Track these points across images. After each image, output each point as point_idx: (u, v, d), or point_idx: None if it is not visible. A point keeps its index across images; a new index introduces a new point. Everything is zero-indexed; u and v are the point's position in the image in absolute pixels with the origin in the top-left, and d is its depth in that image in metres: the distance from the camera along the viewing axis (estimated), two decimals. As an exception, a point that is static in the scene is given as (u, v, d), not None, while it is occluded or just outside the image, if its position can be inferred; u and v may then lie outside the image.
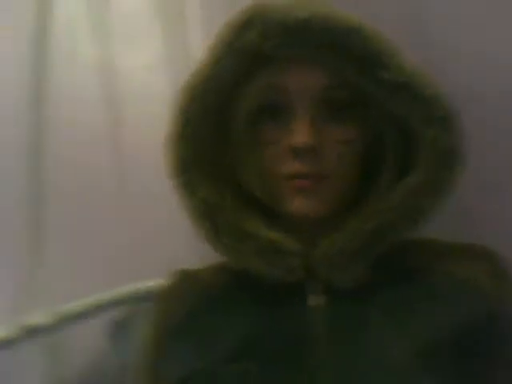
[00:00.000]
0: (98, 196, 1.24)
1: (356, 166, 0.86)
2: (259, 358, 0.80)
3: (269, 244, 0.83)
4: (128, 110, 1.23)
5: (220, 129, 0.86)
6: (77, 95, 1.25)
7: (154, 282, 1.16)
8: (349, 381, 0.77)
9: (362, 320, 0.82)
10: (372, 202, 0.84)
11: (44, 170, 1.23)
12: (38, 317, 1.26)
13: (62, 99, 1.24)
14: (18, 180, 1.24)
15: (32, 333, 1.25)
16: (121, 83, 1.24)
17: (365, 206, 0.84)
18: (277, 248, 0.83)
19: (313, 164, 0.82)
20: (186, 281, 0.96)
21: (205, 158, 0.86)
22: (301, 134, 0.81)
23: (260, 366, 0.80)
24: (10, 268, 1.28)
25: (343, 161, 0.84)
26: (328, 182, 0.83)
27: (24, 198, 1.25)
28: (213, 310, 0.87)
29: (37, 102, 1.23)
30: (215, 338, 0.84)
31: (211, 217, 0.86)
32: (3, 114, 1.25)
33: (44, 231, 1.27)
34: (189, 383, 0.82)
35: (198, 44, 0.87)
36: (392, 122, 0.85)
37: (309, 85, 0.82)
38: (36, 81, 1.24)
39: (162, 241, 1.20)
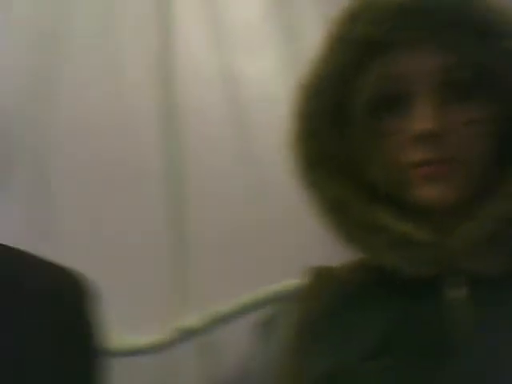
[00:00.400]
0: (236, 202, 1.28)
1: (486, 147, 0.82)
2: (398, 355, 0.79)
3: (400, 236, 0.81)
4: (253, 118, 1.26)
5: (337, 124, 0.86)
6: (204, 108, 1.29)
7: (295, 281, 1.17)
8: (491, 373, 0.74)
9: (504, 310, 0.78)
10: (506, 185, 0.80)
11: (182, 178, 1.29)
12: (191, 319, 1.32)
13: (191, 114, 1.29)
14: (159, 190, 1.31)
15: (186, 335, 1.31)
16: (244, 92, 1.27)
17: (498, 190, 0.80)
18: (408, 240, 0.81)
19: (437, 150, 0.78)
20: (323, 279, 0.96)
21: (327, 155, 0.86)
22: (422, 121, 0.78)
23: (399, 362, 0.78)
24: (163, 274, 1.35)
25: (470, 143, 0.80)
26: (456, 166, 0.80)
27: (169, 209, 1.32)
28: (349, 308, 0.87)
29: (168, 118, 1.29)
30: (352, 335, 0.83)
31: (340, 213, 0.86)
32: (137, 133, 1.32)
33: (190, 238, 1.32)
34: (328, 381, 0.82)
35: (317, 45, 0.87)
36: None
37: (426, 68, 0.79)
38: (166, 98, 1.30)
39: (300, 240, 1.21)
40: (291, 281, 1.18)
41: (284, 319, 1.04)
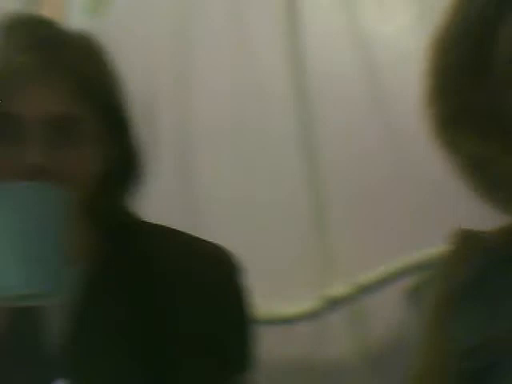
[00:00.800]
0: (375, 166, 1.26)
1: None
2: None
3: None
4: (387, 77, 1.22)
5: (475, 78, 0.81)
6: (334, 69, 1.27)
7: (442, 246, 1.13)
8: None
9: None
10: None
11: (316, 144, 1.29)
12: (339, 288, 1.32)
13: (320, 75, 1.27)
14: (296, 161, 1.31)
15: (334, 304, 1.31)
16: (377, 51, 1.23)
17: None
18: None
19: None
20: (470, 244, 0.92)
21: (465, 109, 0.82)
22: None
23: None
24: (308, 243, 1.35)
25: None
26: None
27: (304, 182, 1.32)
28: (498, 275, 0.82)
29: (300, 85, 1.28)
30: (505, 301, 0.79)
31: (483, 171, 0.81)
32: (270, 100, 1.32)
33: (333, 206, 1.32)
34: (482, 350, 0.79)
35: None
36: None
37: None
38: (293, 62, 1.29)
39: (445, 204, 1.17)
40: (439, 246, 1.15)
41: (431, 286, 1.02)
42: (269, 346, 1.16)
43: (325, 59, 1.29)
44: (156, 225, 0.92)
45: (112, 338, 0.84)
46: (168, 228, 0.92)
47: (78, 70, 0.81)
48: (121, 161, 0.86)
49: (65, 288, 0.73)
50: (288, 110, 1.32)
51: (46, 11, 1.46)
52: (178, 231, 0.92)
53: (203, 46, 1.36)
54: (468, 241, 0.91)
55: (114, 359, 0.84)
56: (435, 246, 1.18)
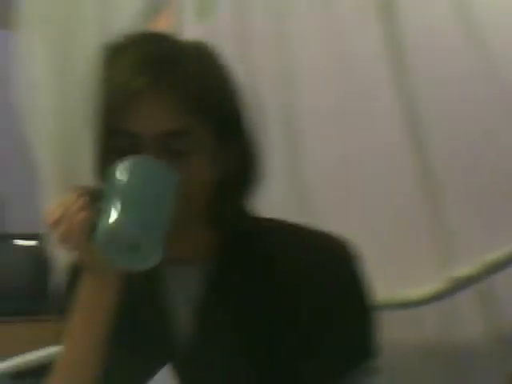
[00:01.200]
0: (489, 134, 1.21)
1: None
2: None
3: None
4: (491, 38, 1.17)
5: None
6: (434, 34, 1.23)
7: None
8: None
9: None
10: None
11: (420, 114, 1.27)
12: (465, 268, 1.28)
13: (420, 37, 1.24)
14: (404, 136, 1.28)
15: (461, 285, 1.28)
16: (479, 12, 1.18)
17: None
18: None
19: None
20: None
21: None
22: None
23: None
24: (426, 225, 1.32)
25: None
26: None
27: (414, 158, 1.29)
28: None
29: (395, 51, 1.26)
30: None
31: None
32: (365, 74, 1.30)
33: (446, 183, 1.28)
34: None
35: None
36: None
37: None
38: (390, 33, 1.26)
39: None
40: None
41: None
42: (394, 332, 1.14)
43: (424, 25, 1.25)
44: (273, 220, 0.94)
45: (230, 334, 0.87)
46: (285, 222, 0.94)
47: (190, 85, 0.84)
48: (239, 164, 0.89)
49: (161, 252, 0.79)
50: (389, 84, 1.28)
51: (162, 23, 1.51)
52: (294, 224, 0.94)
53: (299, 31, 1.36)
54: None
55: (229, 355, 0.86)
56: None
